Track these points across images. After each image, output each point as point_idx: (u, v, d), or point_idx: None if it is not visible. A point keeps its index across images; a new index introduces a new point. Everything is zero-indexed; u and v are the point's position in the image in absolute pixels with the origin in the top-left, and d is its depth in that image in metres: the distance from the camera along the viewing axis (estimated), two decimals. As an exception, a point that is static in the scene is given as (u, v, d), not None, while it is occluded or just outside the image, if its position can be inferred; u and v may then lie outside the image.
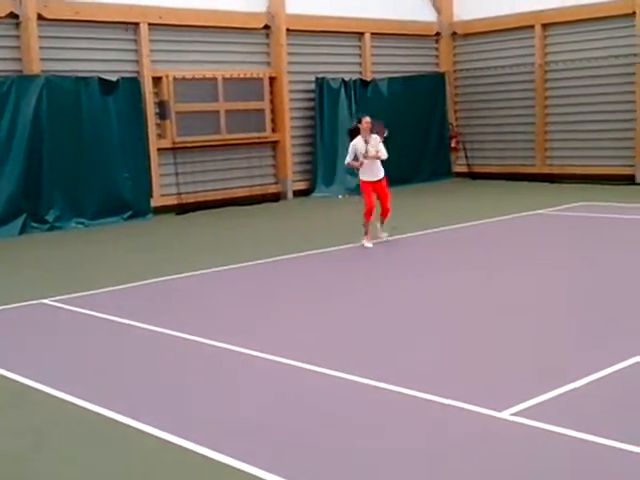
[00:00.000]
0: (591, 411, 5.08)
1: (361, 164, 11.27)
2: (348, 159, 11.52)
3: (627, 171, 17.96)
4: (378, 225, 11.58)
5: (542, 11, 18.89)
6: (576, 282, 8.79)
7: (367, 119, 11.30)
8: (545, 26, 19.08)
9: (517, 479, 4.27)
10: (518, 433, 4.82)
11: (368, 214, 11.35)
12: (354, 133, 11.43)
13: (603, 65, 18.25)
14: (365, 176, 11.40)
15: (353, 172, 18.27)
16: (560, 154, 19.27)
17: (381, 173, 11.44)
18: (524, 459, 4.47)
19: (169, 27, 16.03)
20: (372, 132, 11.41)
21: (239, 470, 4.46)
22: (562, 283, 8.75)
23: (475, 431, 4.88)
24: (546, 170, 19.35)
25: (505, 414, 5.03)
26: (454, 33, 20.72)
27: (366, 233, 11.35)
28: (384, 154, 11.31)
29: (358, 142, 11.35)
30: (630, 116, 17.91)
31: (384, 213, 11.52)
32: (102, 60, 15.24)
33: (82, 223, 14.63)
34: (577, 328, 7.04)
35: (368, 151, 11.25)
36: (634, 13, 17.46)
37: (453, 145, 20.89)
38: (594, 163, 18.54)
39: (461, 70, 20.84)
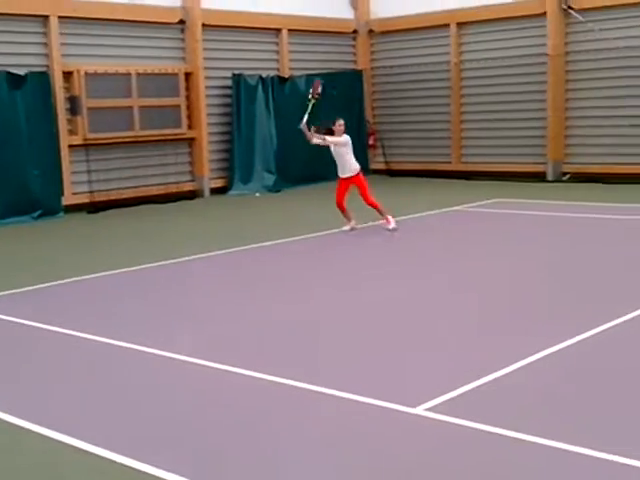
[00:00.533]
0: (507, 405, 5.10)
1: (312, 136, 11.74)
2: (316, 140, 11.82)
3: (539, 168, 18.35)
4: (384, 220, 11.93)
5: (457, 10, 19.14)
6: (491, 276, 8.88)
7: (340, 122, 11.88)
8: (460, 25, 19.33)
9: (431, 474, 4.24)
10: (431, 428, 4.79)
11: (338, 205, 12.03)
12: (327, 133, 11.90)
13: (516, 64, 18.60)
14: (340, 172, 12.07)
15: (271, 171, 18.29)
16: (475, 152, 19.57)
17: (351, 170, 11.97)
18: (437, 454, 4.45)
19: (81, 20, 15.59)
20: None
21: (151, 475, 4.31)
22: (478, 278, 8.83)
23: (388, 427, 4.83)
24: (462, 167, 19.63)
25: (419, 409, 5.00)
26: (371, 31, 20.80)
27: (347, 219, 12.06)
28: (332, 140, 11.82)
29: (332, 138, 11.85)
30: (541, 114, 18.30)
31: (371, 205, 11.97)
32: (10, 54, 14.69)
33: (-11, 222, 14.10)
34: (492, 322, 7.09)
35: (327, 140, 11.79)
36: (545, 13, 17.84)
37: (371, 142, 20.98)
38: (508, 160, 18.90)
39: (378, 67, 20.95)
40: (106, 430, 4.96)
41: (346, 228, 12.02)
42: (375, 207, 11.96)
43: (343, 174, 12.03)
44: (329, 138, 11.75)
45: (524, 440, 4.51)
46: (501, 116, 19.01)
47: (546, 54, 17.98)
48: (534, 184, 17.47)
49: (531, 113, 18.54)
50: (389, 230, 11.70)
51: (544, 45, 18.00)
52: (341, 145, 11.84)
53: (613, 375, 5.58)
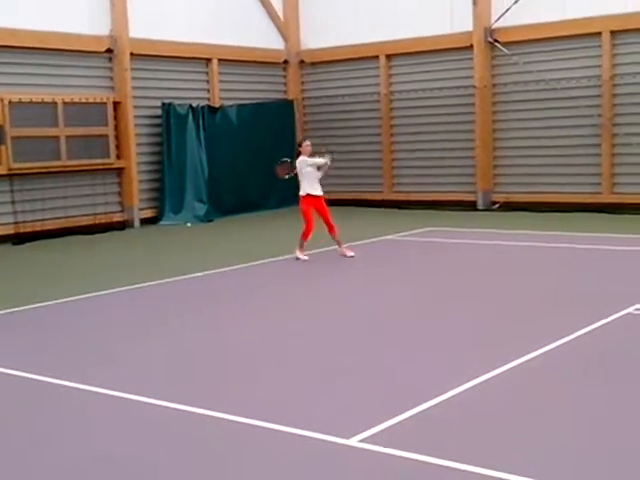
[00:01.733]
0: (442, 434, 5.03)
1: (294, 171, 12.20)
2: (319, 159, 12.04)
3: (469, 197, 18.60)
4: (338, 247, 12.14)
5: (386, 42, 19.37)
6: (424, 303, 8.87)
7: (307, 142, 12.25)
8: (389, 56, 19.57)
9: (365, 509, 4.12)
10: (365, 460, 4.68)
11: (307, 234, 11.93)
12: (297, 156, 12.17)
13: (444, 95, 18.90)
14: (311, 190, 11.99)
15: (202, 200, 18.06)
16: (407, 181, 19.74)
17: (319, 189, 12.08)
18: (372, 487, 4.34)
19: (5, 48, 15.23)
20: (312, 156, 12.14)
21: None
22: (410, 305, 8.81)
23: (322, 460, 4.70)
24: (393, 197, 19.76)
25: (353, 441, 4.89)
26: (302, 61, 20.90)
27: (301, 247, 11.96)
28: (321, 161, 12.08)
29: (302, 160, 12.05)
30: (470, 144, 18.60)
31: (332, 230, 12.04)
32: None
33: None
34: (421, 349, 7.04)
35: (318, 162, 11.98)
36: (472, 46, 18.19)
37: (303, 172, 20.94)
38: (439, 189, 19.11)
39: (309, 98, 21.03)
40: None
41: (304, 257, 11.96)
42: (333, 232, 12.11)
43: (315, 191, 12.05)
44: (317, 160, 12.02)
45: (461, 469, 4.44)
46: (431, 146, 19.25)
47: (473, 86, 18.31)
48: (465, 213, 17.68)
49: (460, 143, 18.83)
50: (348, 256, 12.00)
51: (471, 77, 18.34)
52: (313, 166, 12.05)
53: (540, 406, 5.57)
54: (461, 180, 18.88)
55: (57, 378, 6.43)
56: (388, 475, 4.47)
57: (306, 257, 11.93)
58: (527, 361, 6.45)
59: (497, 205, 18.27)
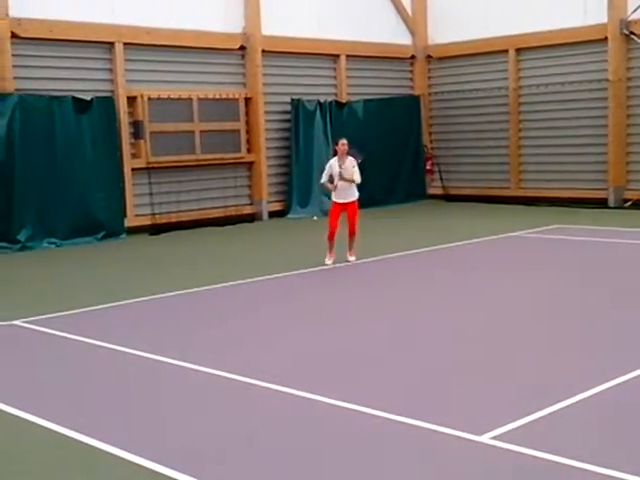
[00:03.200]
0: (574, 434, 5.02)
1: (335, 187, 11.29)
2: (324, 178, 11.53)
3: (600, 194, 18.10)
4: (348, 251, 11.67)
5: (515, 35, 19.08)
6: (553, 303, 8.78)
7: (343, 141, 11.30)
8: (519, 50, 19.26)
9: (498, 504, 4.20)
10: (497, 457, 4.75)
11: (330, 236, 11.43)
12: (334, 155, 11.46)
13: (576, 89, 18.45)
14: (336, 197, 11.43)
15: (327, 194, 18.34)
16: (534, 177, 19.40)
17: (353, 196, 11.43)
18: (505, 484, 4.41)
19: (144, 47, 15.96)
20: (348, 155, 11.38)
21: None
22: (539, 304, 8.74)
23: (454, 455, 4.80)
24: (520, 193, 19.46)
25: (484, 438, 4.96)
26: (429, 56, 20.85)
27: (329, 251, 11.49)
28: (358, 178, 11.34)
29: (334, 163, 11.35)
30: (602, 140, 18.09)
31: (351, 235, 11.56)
32: (76, 79, 15.12)
33: (54, 243, 14.44)
34: (557, 349, 7.00)
35: (342, 174, 11.23)
36: (606, 38, 17.68)
37: (428, 167, 20.96)
38: (568, 186, 18.69)
39: (436, 93, 20.96)
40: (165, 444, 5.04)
41: (328, 262, 11.46)
42: (351, 238, 11.59)
43: (343, 199, 11.38)
44: (355, 177, 11.27)
45: (592, 471, 4.44)
46: (561, 142, 18.83)
47: (607, 79, 17.79)
48: (595, 210, 17.23)
49: (592, 139, 18.34)
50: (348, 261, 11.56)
51: (605, 70, 17.82)
52: (357, 179, 11.39)
53: (683, 407, 5.47)
54: (592, 177, 18.39)
55: (194, 363, 6.79)
56: (519, 473, 4.52)
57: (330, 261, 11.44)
58: (663, 365, 6.32)
59: (629, 203, 17.70)
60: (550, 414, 5.33)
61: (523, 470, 4.55)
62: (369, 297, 9.58)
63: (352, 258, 11.63)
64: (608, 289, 9.42)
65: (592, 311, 8.35)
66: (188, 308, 9.26)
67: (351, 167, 11.30)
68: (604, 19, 17.66)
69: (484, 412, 5.47)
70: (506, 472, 4.55)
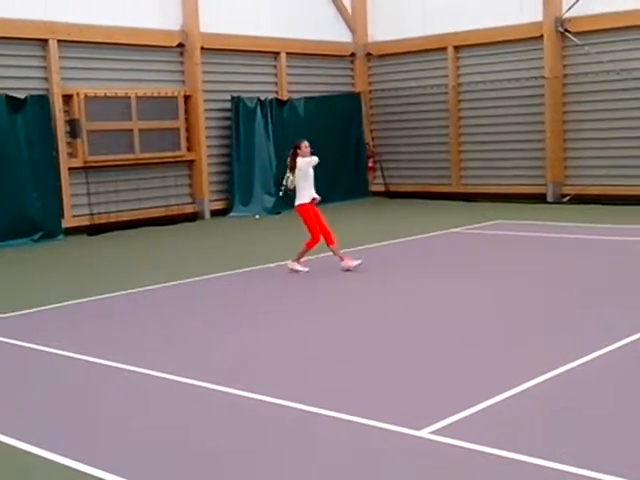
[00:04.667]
0: (512, 428, 5.05)
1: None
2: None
3: (539, 190, 18.38)
4: (341, 262, 10.65)
5: (454, 33, 19.24)
6: (492, 299, 8.85)
7: (306, 143, 10.83)
8: (457, 48, 19.45)
9: (436, 499, 4.19)
10: (437, 452, 4.74)
11: (313, 244, 10.72)
12: (293, 157, 10.79)
13: (514, 86, 18.69)
14: (307, 198, 10.72)
15: (270, 193, 18.26)
16: (474, 173, 19.61)
17: (314, 193, 10.85)
18: (443, 479, 4.40)
19: (80, 44, 15.66)
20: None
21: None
22: (479, 300, 8.80)
23: (393, 450, 4.78)
24: (461, 189, 19.66)
25: (424, 432, 4.95)
26: (369, 54, 20.91)
27: (300, 255, 10.78)
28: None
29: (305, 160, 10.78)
30: (540, 136, 18.37)
31: (330, 240, 10.68)
32: (10, 77, 14.75)
33: (-12, 245, 14.09)
34: (493, 344, 7.05)
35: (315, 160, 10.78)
36: (542, 36, 17.95)
37: (370, 164, 21.03)
38: (507, 182, 18.94)
39: (376, 90, 21.03)
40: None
41: (302, 268, 10.73)
42: (332, 241, 10.75)
43: (310, 197, 10.74)
44: (310, 161, 10.73)
45: (529, 463, 4.47)
46: (500, 138, 19.07)
47: (543, 77, 18.07)
48: (534, 206, 17.48)
49: (530, 135, 18.61)
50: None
51: (542, 68, 18.10)
52: (311, 166, 10.81)
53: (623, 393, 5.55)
54: (530, 173, 18.66)
55: (124, 363, 6.66)
56: (459, 467, 4.52)
57: (307, 268, 10.73)
58: (607, 353, 6.41)
59: (567, 198, 18.01)
60: (486, 408, 5.35)
61: (464, 463, 4.55)
62: (302, 296, 9.54)
63: (357, 261, 10.59)
64: (544, 283, 9.53)
65: (527, 305, 8.44)
66: (124, 310, 9.09)
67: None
68: (540, 17, 17.93)
69: (422, 408, 5.47)
70: (447, 465, 4.55)
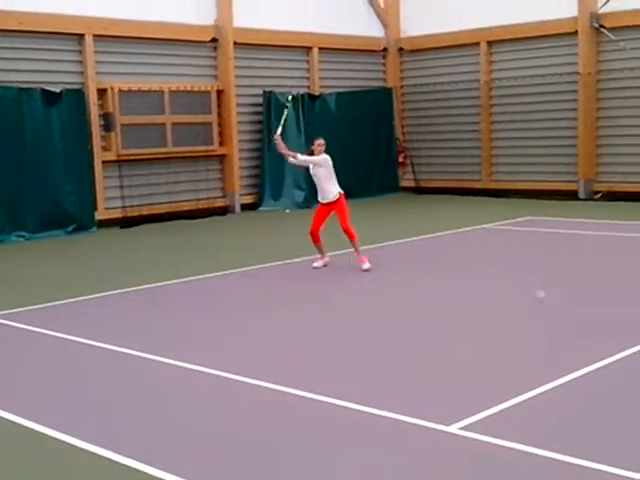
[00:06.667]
0: (542, 424, 5.07)
1: (294, 156, 10.66)
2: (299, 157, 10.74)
3: (571, 186, 18.26)
4: (355, 254, 10.65)
5: (487, 28, 19.15)
6: (522, 296, 8.84)
7: (320, 141, 10.70)
8: (490, 43, 19.35)
9: (465, 494, 4.23)
10: (466, 447, 4.78)
11: (311, 236, 10.74)
12: (310, 155, 10.76)
13: (547, 82, 18.57)
14: (318, 197, 10.85)
15: (301, 187, 18.34)
16: (505, 169, 19.52)
17: (332, 195, 10.67)
18: (472, 474, 4.44)
19: (115, 39, 15.82)
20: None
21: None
22: (508, 297, 8.80)
23: (422, 445, 4.83)
24: (492, 185, 19.57)
25: (453, 428, 4.99)
26: (401, 49, 20.89)
27: (319, 253, 10.86)
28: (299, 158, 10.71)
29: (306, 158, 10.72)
30: (572, 133, 18.24)
31: (348, 236, 10.58)
32: (46, 71, 14.96)
33: (23, 236, 14.29)
34: (524, 342, 7.06)
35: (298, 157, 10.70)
36: (576, 32, 17.81)
37: (400, 160, 21.02)
38: (538, 178, 18.83)
39: (408, 86, 21.00)
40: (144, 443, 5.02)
41: (317, 264, 10.79)
42: (352, 238, 10.56)
43: (323, 199, 10.70)
44: (304, 157, 10.65)
45: (559, 460, 4.49)
46: (532, 134, 18.96)
47: (577, 72, 17.93)
48: (565, 202, 17.39)
49: (562, 131, 18.48)
50: (362, 270, 10.38)
51: (575, 64, 17.96)
52: (319, 166, 10.54)
53: (649, 396, 5.54)
54: (562, 169, 18.54)
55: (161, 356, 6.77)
56: (488, 462, 4.56)
57: (318, 264, 10.78)
58: (631, 355, 6.40)
59: (599, 195, 17.88)
60: (515, 405, 5.37)
61: (492, 459, 4.59)
62: (328, 291, 9.60)
63: (365, 265, 10.45)
64: (572, 281, 9.49)
65: (562, 304, 8.41)
66: (164, 301, 9.22)
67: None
68: (575, 12, 17.78)
69: (451, 404, 5.50)
70: (475, 460, 4.59)
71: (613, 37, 17.44)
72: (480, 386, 5.84)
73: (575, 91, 18.06)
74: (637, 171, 17.47)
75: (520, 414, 5.26)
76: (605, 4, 17.36)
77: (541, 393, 5.58)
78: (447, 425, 5.03)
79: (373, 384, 6.00)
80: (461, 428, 4.99)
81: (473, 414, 5.18)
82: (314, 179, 10.74)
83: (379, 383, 6.02)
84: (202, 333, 7.68)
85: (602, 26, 17.59)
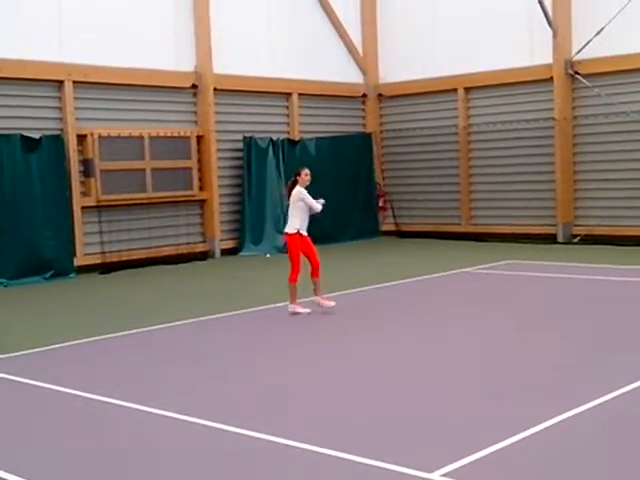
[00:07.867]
0: (521, 471, 5.02)
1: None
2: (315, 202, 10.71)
3: (549, 230, 18.40)
4: (315, 297, 10.68)
5: (464, 75, 19.43)
6: (502, 340, 8.82)
7: (307, 171, 10.66)
8: (468, 89, 19.62)
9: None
10: (448, 495, 4.72)
11: (295, 276, 10.57)
12: (292, 185, 10.75)
13: (524, 127, 18.81)
14: (302, 227, 10.61)
15: (281, 232, 18.30)
16: (485, 213, 19.66)
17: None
18: (455, 522, 4.37)
19: (94, 85, 15.88)
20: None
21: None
22: (489, 342, 8.78)
23: (405, 494, 4.76)
24: (471, 229, 19.69)
25: (435, 475, 4.93)
26: (380, 95, 21.11)
27: (293, 296, 10.61)
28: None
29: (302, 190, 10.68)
30: (550, 177, 18.42)
31: (315, 272, 10.57)
32: (25, 117, 14.95)
33: (1, 283, 14.14)
34: (505, 388, 7.02)
35: (313, 205, 10.69)
36: (552, 78, 18.09)
37: (380, 204, 21.11)
38: (517, 222, 18.97)
39: (387, 131, 21.19)
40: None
41: (300, 310, 10.57)
42: (317, 275, 10.63)
43: (304, 230, 10.67)
44: (311, 199, 10.65)
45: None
46: (510, 178, 19.14)
47: (553, 118, 18.18)
48: (545, 246, 17.49)
49: (540, 176, 18.67)
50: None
51: (552, 109, 18.22)
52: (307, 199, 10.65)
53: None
54: (541, 213, 18.69)
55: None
56: (471, 510, 4.50)
57: (308, 310, 10.52)
58: (613, 399, 6.37)
59: (578, 238, 18.01)
60: (498, 451, 5.32)
61: (474, 507, 4.53)
62: (314, 338, 9.54)
63: (332, 303, 10.57)
64: (554, 324, 9.50)
65: (537, 347, 8.40)
66: (143, 349, 9.11)
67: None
68: (550, 60, 18.09)
69: (433, 450, 5.44)
70: (457, 510, 4.52)
71: (588, 84, 17.73)
72: (462, 432, 5.78)
73: (552, 136, 18.29)
74: (615, 215, 17.65)
75: (502, 460, 5.20)
76: (580, 51, 17.64)
77: (521, 439, 5.52)
78: (430, 472, 4.96)
79: (351, 431, 5.92)
80: (444, 475, 4.92)
81: (455, 460, 5.12)
82: (294, 210, 10.62)
83: (360, 429, 5.94)
84: (183, 382, 7.58)
85: (577, 73, 17.89)
